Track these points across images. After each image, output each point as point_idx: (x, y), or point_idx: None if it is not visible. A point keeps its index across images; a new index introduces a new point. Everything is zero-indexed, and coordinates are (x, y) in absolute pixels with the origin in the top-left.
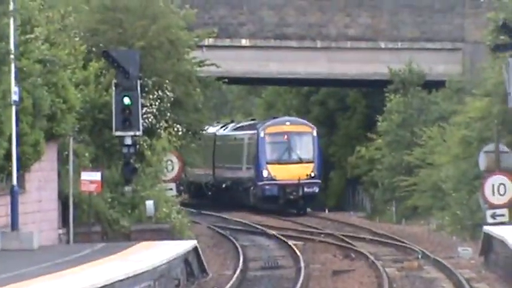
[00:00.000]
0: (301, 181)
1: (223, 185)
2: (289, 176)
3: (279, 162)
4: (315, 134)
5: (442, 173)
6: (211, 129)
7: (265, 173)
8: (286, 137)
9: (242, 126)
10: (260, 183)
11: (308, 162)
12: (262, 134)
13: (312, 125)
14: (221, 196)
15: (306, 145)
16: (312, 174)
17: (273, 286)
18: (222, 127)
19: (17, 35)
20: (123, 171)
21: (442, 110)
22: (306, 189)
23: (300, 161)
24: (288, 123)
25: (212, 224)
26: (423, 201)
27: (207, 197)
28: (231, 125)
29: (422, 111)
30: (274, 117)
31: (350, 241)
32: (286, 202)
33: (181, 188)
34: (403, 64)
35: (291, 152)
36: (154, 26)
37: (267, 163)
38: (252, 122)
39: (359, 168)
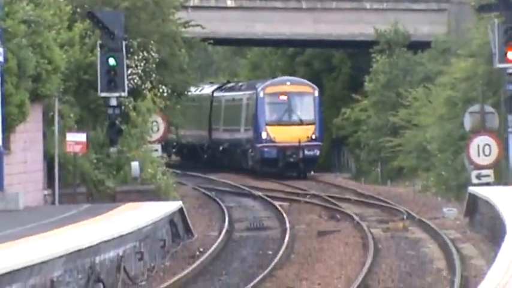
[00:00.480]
0: (301, 143)
1: (220, 148)
2: (289, 138)
3: (278, 123)
4: (316, 94)
5: (427, 134)
6: (206, 90)
7: (264, 135)
8: (286, 97)
9: (240, 86)
10: (259, 145)
11: (309, 123)
12: (261, 94)
13: (314, 85)
14: (218, 159)
15: (307, 106)
16: (313, 137)
17: (258, 247)
18: (218, 87)
19: None
20: (108, 132)
21: (427, 70)
22: (306, 152)
23: (301, 123)
24: (288, 83)
25: (198, 185)
26: (408, 162)
27: (202, 160)
28: (228, 85)
29: (408, 72)
30: (273, 77)
31: (335, 202)
32: (286, 165)
33: (173, 150)
34: (388, 25)
35: (291, 113)
36: None
37: (266, 124)
38: (251, 81)
39: (344, 129)
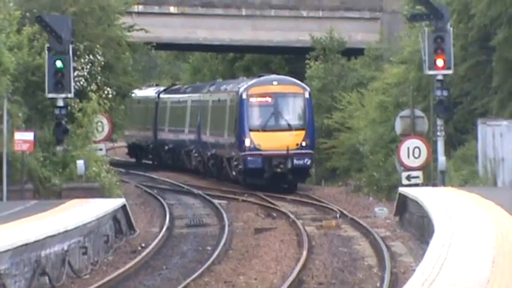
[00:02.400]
0: (290, 151)
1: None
2: (276, 146)
3: (264, 129)
4: (307, 95)
5: (360, 136)
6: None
7: (247, 142)
8: (272, 99)
9: (220, 85)
10: (242, 153)
11: (299, 129)
12: (244, 96)
13: (305, 86)
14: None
15: (297, 109)
16: (303, 144)
17: (198, 243)
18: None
19: None
20: (55, 131)
21: (360, 76)
22: (295, 161)
23: (289, 128)
24: (275, 82)
25: (140, 183)
26: (341, 163)
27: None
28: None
29: (342, 77)
30: (260, 76)
31: (271, 201)
32: (273, 176)
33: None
34: (324, 32)
35: (279, 117)
36: None
37: (250, 130)
38: (233, 80)
39: None
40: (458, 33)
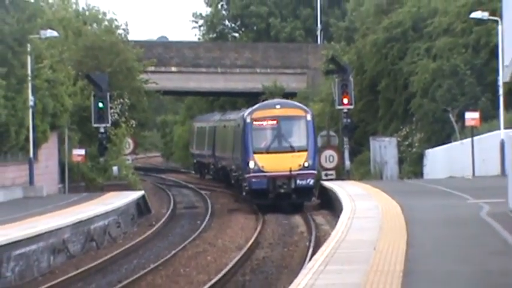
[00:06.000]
0: (293, 172)
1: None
2: (280, 167)
3: (267, 151)
4: (309, 118)
5: None
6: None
7: (251, 164)
8: (276, 122)
9: (229, 114)
10: (247, 175)
11: (301, 150)
12: (248, 120)
13: (307, 108)
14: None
15: (299, 131)
16: (306, 164)
17: (192, 218)
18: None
19: (32, 65)
20: (98, 148)
21: None
22: (298, 182)
23: (292, 150)
24: (278, 106)
25: (155, 182)
26: None
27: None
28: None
29: None
30: (264, 100)
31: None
32: (277, 196)
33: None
34: (271, 82)
35: (281, 140)
36: (117, 59)
37: (254, 152)
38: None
39: None
40: (356, 82)
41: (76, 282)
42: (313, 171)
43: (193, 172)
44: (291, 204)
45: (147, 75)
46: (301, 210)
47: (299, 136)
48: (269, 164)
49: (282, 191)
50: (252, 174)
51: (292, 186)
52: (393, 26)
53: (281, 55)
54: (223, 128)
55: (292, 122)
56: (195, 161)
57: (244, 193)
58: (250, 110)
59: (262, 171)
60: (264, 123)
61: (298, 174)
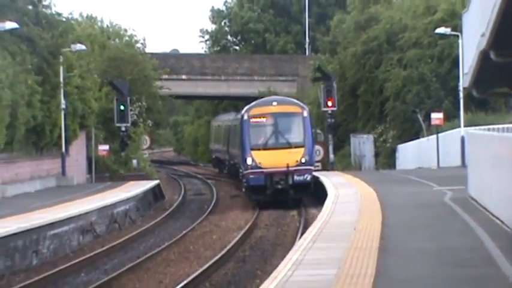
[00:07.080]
0: (290, 168)
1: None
2: (277, 163)
3: (264, 147)
4: (306, 114)
5: None
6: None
7: (249, 161)
8: (272, 118)
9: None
10: (245, 172)
11: (298, 146)
12: (245, 117)
13: (303, 105)
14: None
15: (296, 127)
16: (303, 160)
17: (200, 203)
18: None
19: (64, 74)
20: (120, 144)
21: None
22: (296, 178)
23: (289, 146)
24: (274, 103)
25: (168, 173)
26: None
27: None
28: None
29: None
30: (261, 97)
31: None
32: (275, 192)
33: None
34: (266, 88)
35: (278, 136)
36: (136, 68)
37: (251, 149)
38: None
39: None
40: (339, 87)
41: (102, 257)
42: (310, 167)
43: (210, 166)
44: (289, 199)
45: (162, 82)
46: (298, 206)
47: (296, 132)
48: (266, 160)
49: (280, 187)
50: (249, 171)
51: (290, 182)
52: (370, 40)
53: (275, 65)
54: (235, 127)
55: (289, 118)
56: (213, 156)
57: (243, 189)
58: (247, 107)
59: (260, 168)
60: (261, 120)
61: (295, 170)
